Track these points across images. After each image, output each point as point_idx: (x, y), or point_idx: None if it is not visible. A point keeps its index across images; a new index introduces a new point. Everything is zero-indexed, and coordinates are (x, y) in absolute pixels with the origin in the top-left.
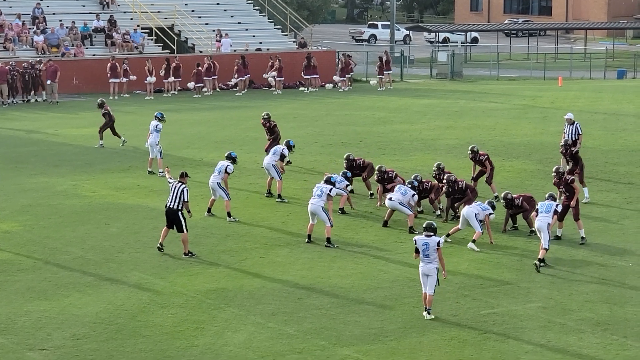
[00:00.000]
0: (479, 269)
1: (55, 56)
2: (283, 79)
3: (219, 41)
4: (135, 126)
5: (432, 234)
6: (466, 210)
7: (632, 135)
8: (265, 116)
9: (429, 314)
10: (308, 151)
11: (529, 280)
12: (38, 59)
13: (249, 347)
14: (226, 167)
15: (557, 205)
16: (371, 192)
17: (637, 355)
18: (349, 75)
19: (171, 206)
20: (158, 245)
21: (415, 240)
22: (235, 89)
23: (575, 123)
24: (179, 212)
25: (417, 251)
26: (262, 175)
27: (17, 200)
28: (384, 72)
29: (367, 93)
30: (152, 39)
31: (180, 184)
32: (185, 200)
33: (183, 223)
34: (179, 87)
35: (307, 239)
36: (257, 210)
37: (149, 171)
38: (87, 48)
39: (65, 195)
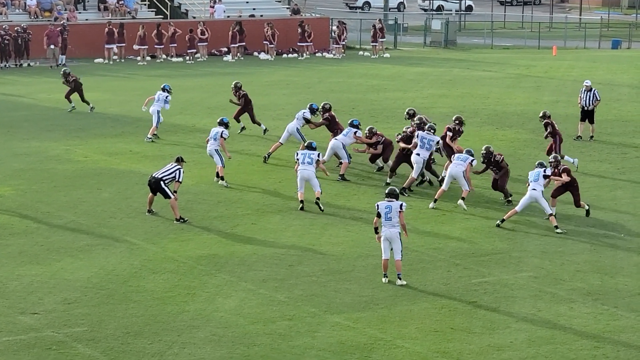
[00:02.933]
0: (470, 238)
1: (48, 20)
2: (275, 45)
3: (213, 7)
4: (128, 92)
5: (394, 199)
6: (454, 170)
7: (626, 106)
8: (237, 85)
9: (399, 279)
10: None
11: (521, 250)
12: (24, 24)
13: (239, 313)
14: (222, 133)
15: (545, 171)
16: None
17: (627, 325)
18: (343, 43)
19: (155, 176)
20: (146, 212)
21: (377, 205)
22: (227, 56)
23: (593, 90)
24: (162, 181)
25: (378, 215)
26: (254, 142)
27: (9, 165)
28: (378, 40)
29: (361, 61)
30: (145, 4)
31: (176, 165)
32: (178, 180)
33: (167, 190)
34: (171, 53)
35: (300, 207)
36: (249, 177)
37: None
38: (80, 13)
39: (57, 160)
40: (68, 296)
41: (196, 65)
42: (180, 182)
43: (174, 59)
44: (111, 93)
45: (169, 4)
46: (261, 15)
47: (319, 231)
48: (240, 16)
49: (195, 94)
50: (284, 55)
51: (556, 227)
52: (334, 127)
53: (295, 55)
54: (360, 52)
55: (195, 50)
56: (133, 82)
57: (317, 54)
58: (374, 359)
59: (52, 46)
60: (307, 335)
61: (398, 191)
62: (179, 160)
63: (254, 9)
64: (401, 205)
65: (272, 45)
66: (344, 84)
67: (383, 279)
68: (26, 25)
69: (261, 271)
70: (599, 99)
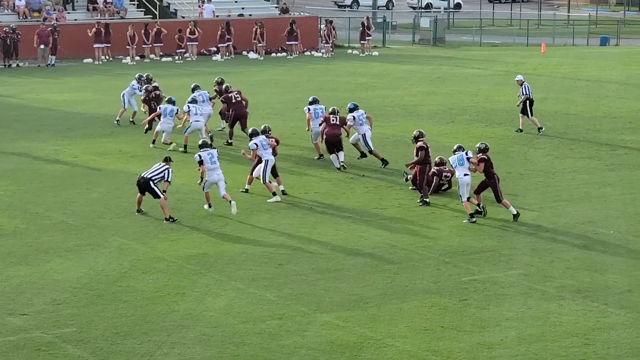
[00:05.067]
0: (460, 236)
1: (37, 21)
2: (264, 44)
3: (201, 6)
4: (116, 92)
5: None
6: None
7: (615, 102)
8: (217, 81)
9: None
10: (290, 117)
11: (511, 248)
12: (13, 25)
13: (229, 313)
14: (177, 111)
15: (467, 154)
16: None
17: (617, 322)
18: (332, 41)
19: (144, 176)
20: (136, 212)
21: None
22: (217, 56)
23: (524, 83)
24: (151, 181)
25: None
26: (243, 141)
27: None
28: (366, 38)
29: (350, 59)
30: (134, 4)
31: (164, 165)
32: (167, 180)
33: (156, 190)
34: (161, 53)
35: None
36: (238, 176)
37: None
38: (68, 13)
39: (46, 160)
40: (57, 297)
41: (185, 65)
42: (169, 182)
43: (164, 59)
44: (100, 93)
45: (158, 3)
46: (250, 15)
47: (307, 230)
48: (229, 15)
49: (185, 93)
50: (273, 54)
51: (471, 215)
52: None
53: (284, 54)
54: (349, 51)
55: (184, 50)
56: (122, 82)
57: (305, 53)
58: (363, 358)
59: (42, 46)
60: (297, 335)
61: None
62: (167, 160)
63: (242, 8)
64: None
65: (261, 45)
66: (333, 82)
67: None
68: (15, 26)
69: (250, 270)
70: (524, 93)
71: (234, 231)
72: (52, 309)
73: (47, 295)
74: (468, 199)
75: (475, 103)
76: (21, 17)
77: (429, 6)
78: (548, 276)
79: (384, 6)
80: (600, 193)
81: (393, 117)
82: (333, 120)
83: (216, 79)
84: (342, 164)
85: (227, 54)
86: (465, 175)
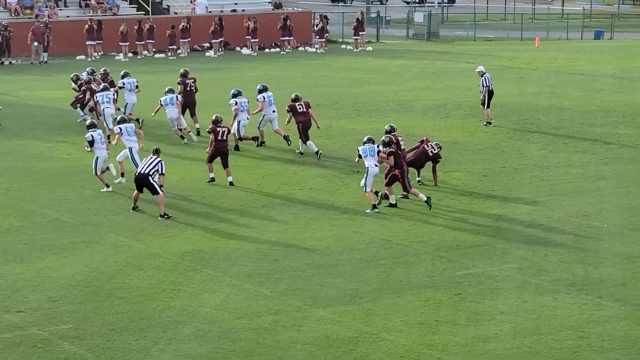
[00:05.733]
0: (454, 231)
1: (29, 18)
2: (258, 40)
3: (193, 2)
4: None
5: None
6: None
7: (609, 96)
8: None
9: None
10: (283, 113)
11: (505, 242)
12: (5, 22)
13: (225, 309)
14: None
15: (378, 146)
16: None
17: (611, 314)
18: (326, 37)
19: (141, 171)
20: (131, 210)
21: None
22: (210, 52)
23: (485, 74)
24: (149, 177)
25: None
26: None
27: None
28: (359, 33)
29: (343, 54)
30: (126, 1)
31: (156, 157)
32: (162, 172)
33: (155, 185)
34: (154, 49)
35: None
36: (233, 172)
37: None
38: (60, 10)
39: (40, 157)
40: (53, 294)
41: (178, 61)
42: (164, 175)
43: (156, 55)
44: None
45: (151, 0)
46: (243, 10)
47: (302, 226)
48: (222, 11)
49: (177, 89)
50: (266, 50)
51: (374, 205)
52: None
53: (278, 49)
54: (343, 46)
55: (176, 47)
56: (114, 79)
57: (299, 48)
58: (359, 352)
59: (36, 43)
60: (293, 330)
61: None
62: (157, 152)
63: (235, 3)
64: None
65: (254, 40)
66: (327, 77)
67: None
68: (7, 23)
69: (246, 266)
70: (485, 85)
71: (229, 227)
72: (48, 306)
73: (43, 292)
74: (373, 191)
75: (470, 98)
76: (13, 14)
77: (422, 1)
78: (542, 270)
79: (377, 1)
80: (594, 187)
81: (388, 113)
82: (300, 107)
83: (180, 71)
84: (319, 152)
85: (220, 49)
86: (375, 165)
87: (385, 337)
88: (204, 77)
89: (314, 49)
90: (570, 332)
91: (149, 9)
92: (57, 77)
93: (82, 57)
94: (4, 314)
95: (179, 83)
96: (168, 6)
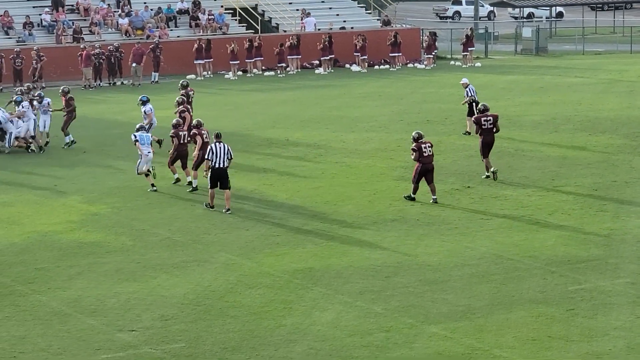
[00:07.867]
0: (565, 245)
1: (141, 39)
2: (367, 57)
3: (303, 20)
4: (219, 107)
5: None
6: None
7: None
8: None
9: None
10: (394, 129)
11: (617, 256)
12: (116, 43)
13: (336, 326)
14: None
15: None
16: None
17: None
18: (434, 53)
19: (220, 166)
20: (208, 204)
21: None
22: (319, 69)
23: (469, 86)
24: (227, 170)
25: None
26: (349, 154)
27: (105, 183)
28: (469, 49)
29: (452, 70)
30: (235, 20)
31: (221, 143)
32: (231, 157)
33: (229, 180)
34: (263, 67)
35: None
36: (344, 189)
37: None
38: (171, 30)
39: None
40: (165, 312)
41: (287, 79)
42: (232, 159)
43: (266, 73)
44: (204, 109)
45: (260, 18)
46: (352, 28)
47: (414, 242)
48: (331, 29)
49: (287, 107)
50: (376, 67)
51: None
52: None
53: (387, 66)
54: (452, 62)
55: (285, 64)
56: (224, 98)
57: (408, 65)
58: None
59: (134, 64)
60: (405, 347)
61: None
62: (219, 137)
63: (344, 21)
64: None
65: (363, 57)
66: (436, 94)
67: None
68: (119, 44)
69: (357, 283)
70: (469, 95)
71: (340, 245)
72: (161, 324)
73: (155, 311)
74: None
75: (579, 112)
76: (124, 36)
77: (530, 16)
78: None
79: (485, 17)
80: None
81: None
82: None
83: (181, 82)
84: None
85: (329, 67)
86: (149, 152)
87: (497, 354)
88: (314, 94)
89: (422, 66)
90: None
91: (258, 28)
92: (168, 96)
93: (192, 76)
94: (117, 332)
95: (182, 95)
96: (277, 24)
